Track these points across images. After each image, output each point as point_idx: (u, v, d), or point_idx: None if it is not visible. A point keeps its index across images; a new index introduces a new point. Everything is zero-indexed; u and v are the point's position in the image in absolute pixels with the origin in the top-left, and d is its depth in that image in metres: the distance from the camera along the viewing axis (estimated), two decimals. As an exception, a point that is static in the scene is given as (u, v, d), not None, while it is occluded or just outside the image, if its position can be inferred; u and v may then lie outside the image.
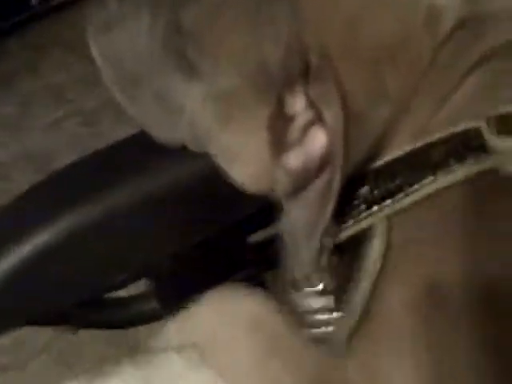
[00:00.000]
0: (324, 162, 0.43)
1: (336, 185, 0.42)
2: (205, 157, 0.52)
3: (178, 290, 0.63)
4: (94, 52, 0.54)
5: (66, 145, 1.84)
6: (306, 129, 0.44)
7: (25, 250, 0.55)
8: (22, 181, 1.76)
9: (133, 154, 0.59)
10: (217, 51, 0.46)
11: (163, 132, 0.53)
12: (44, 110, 1.94)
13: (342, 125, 0.41)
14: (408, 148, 0.44)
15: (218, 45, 0.46)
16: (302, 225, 0.44)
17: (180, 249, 0.60)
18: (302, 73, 0.43)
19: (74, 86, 1.96)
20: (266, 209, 0.50)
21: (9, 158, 1.83)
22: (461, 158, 0.42)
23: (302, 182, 0.44)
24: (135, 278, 0.64)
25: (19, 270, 0.55)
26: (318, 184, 0.43)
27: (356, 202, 0.45)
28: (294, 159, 0.44)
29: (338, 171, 0.42)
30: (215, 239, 0.61)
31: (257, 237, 0.63)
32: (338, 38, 0.43)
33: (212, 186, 0.54)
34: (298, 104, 0.44)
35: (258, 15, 0.44)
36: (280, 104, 0.44)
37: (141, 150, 0.58)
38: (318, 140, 0.43)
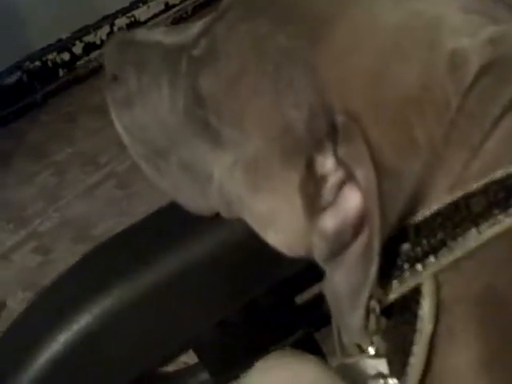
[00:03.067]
0: (361, 222, 0.41)
1: (376, 244, 0.40)
2: (240, 221, 0.51)
3: (228, 359, 0.61)
4: (119, 128, 0.54)
5: (103, 209, 1.85)
6: (338, 188, 0.42)
7: (72, 330, 0.55)
8: (63, 250, 1.77)
9: (169, 224, 0.59)
10: (239, 119, 0.45)
11: (194, 201, 0.53)
12: (79, 177, 1.96)
13: (374, 183, 0.40)
14: (447, 200, 0.42)
15: (240, 112, 0.45)
16: (344, 290, 0.42)
17: (226, 315, 0.59)
18: (330, 133, 0.42)
19: (105, 150, 1.98)
20: (310, 267, 0.49)
21: (49, 229, 1.85)
22: (504, 207, 0.40)
23: (339, 244, 0.42)
24: (182, 351, 0.63)
25: (70, 351, 0.55)
26: (357, 246, 0.42)
27: (399, 262, 0.42)
28: (329, 221, 0.42)
29: (377, 230, 0.40)
30: (261, 303, 0.60)
31: (304, 296, 0.62)
32: (360, 95, 0.42)
33: (251, 248, 0.53)
34: (328, 164, 0.42)
35: (278, 80, 0.44)
36: (310, 166, 0.43)
37: (178, 218, 0.57)
38: (352, 200, 0.41)
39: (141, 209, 1.77)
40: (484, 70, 0.42)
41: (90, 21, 2.32)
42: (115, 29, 2.36)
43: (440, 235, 0.41)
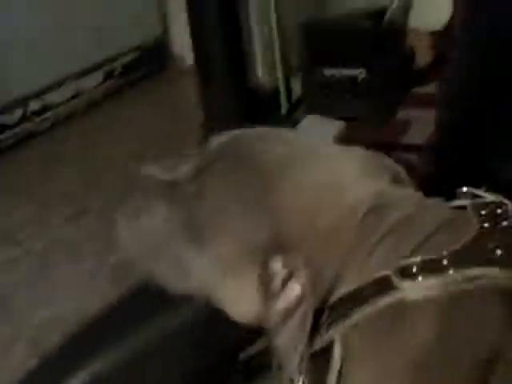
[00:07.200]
0: (299, 302, 0.67)
1: (310, 316, 0.67)
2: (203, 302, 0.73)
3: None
4: (121, 234, 0.77)
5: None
6: (285, 281, 0.67)
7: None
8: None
9: (141, 306, 0.76)
10: (219, 233, 0.71)
11: (179, 286, 0.76)
12: None
13: (309, 281, 0.66)
14: (348, 289, 0.67)
15: (221, 229, 0.71)
16: (289, 341, 0.68)
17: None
18: (278, 247, 0.68)
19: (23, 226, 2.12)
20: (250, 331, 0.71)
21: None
22: (382, 294, 0.65)
23: (286, 316, 0.67)
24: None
25: None
26: (297, 316, 0.67)
27: (320, 325, 0.68)
28: (281, 304, 0.67)
29: (310, 308, 0.67)
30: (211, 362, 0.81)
31: (245, 353, 0.85)
32: (302, 225, 0.69)
33: (211, 322, 0.73)
34: (277, 266, 0.68)
35: (246, 215, 0.70)
36: (265, 266, 0.68)
37: (148, 301, 0.75)
38: (295, 290, 0.67)
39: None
40: (369, 212, 0.69)
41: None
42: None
43: (343, 310, 0.67)
